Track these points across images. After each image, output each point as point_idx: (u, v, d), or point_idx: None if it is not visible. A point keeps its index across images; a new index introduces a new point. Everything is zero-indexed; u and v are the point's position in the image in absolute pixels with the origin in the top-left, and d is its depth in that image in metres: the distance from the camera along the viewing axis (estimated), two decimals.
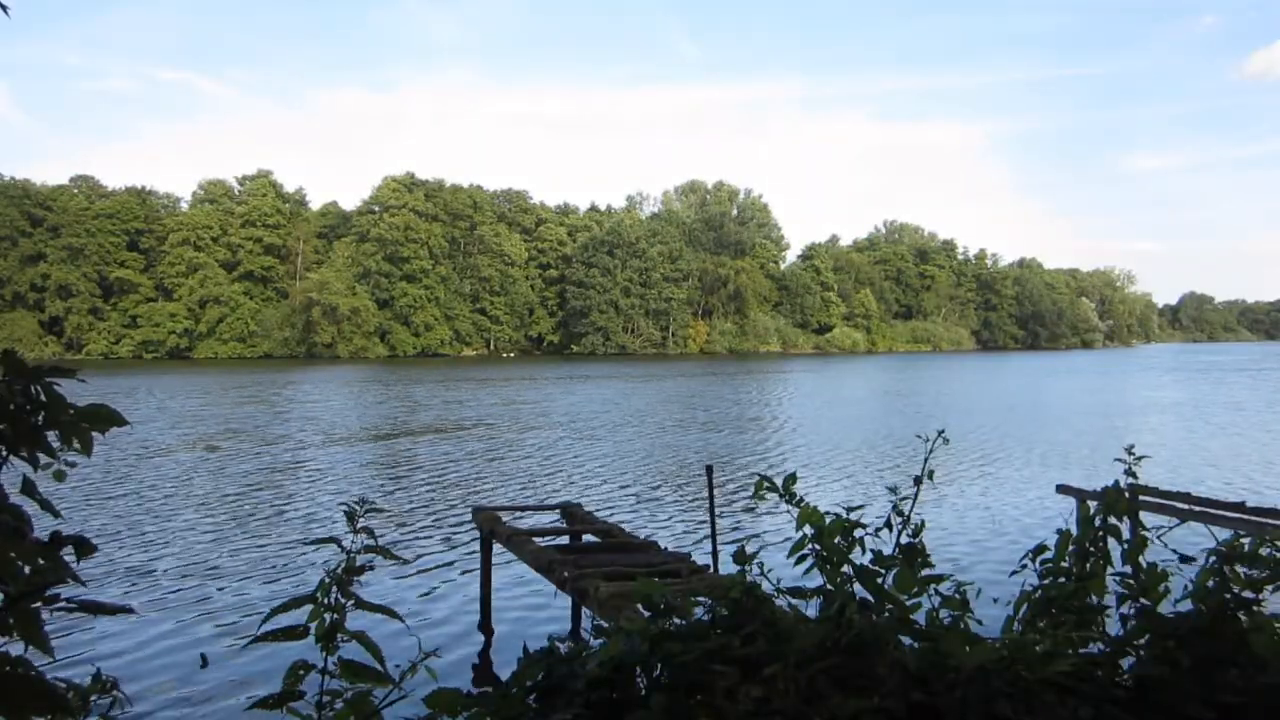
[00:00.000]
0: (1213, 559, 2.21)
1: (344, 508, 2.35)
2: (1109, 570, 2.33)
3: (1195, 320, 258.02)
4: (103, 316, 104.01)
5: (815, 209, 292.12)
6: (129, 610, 1.92)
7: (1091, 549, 2.34)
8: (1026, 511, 17.24)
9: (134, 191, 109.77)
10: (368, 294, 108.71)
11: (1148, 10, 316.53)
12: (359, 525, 2.25)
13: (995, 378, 70.13)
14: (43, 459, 1.64)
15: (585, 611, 9.47)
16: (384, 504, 17.97)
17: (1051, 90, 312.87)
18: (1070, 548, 2.36)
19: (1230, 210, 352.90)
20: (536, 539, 10.91)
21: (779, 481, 2.43)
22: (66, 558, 1.61)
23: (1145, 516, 2.48)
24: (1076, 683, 1.87)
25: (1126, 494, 2.44)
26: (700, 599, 2.20)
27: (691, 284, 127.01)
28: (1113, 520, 2.40)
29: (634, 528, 14.08)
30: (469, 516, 13.57)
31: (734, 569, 2.27)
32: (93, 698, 1.98)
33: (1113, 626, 2.24)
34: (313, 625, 2.09)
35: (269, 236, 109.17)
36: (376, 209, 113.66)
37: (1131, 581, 2.27)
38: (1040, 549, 2.41)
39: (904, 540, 2.30)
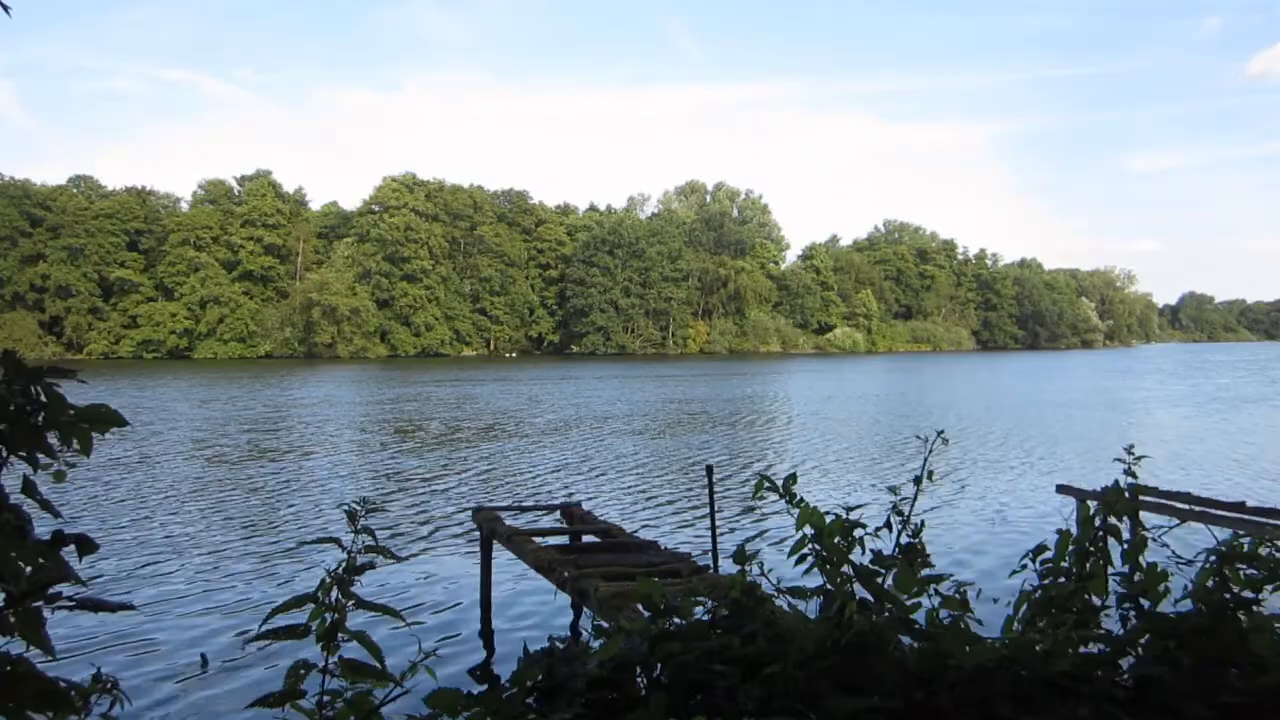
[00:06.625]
0: (1213, 559, 2.21)
1: (344, 507, 2.35)
2: (1109, 570, 2.33)
3: (1195, 320, 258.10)
4: (103, 316, 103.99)
5: (815, 209, 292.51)
6: (129, 608, 1.92)
7: (1091, 549, 2.34)
8: (1026, 511, 17.22)
9: (134, 191, 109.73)
10: (368, 294, 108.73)
11: (1149, 11, 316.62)
12: (359, 525, 2.25)
13: (995, 377, 70.11)
14: (42, 459, 1.64)
15: (585, 611, 9.46)
16: (384, 504, 17.98)
17: (1052, 90, 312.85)
18: (1070, 548, 2.36)
19: (1230, 210, 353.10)
20: (536, 539, 10.90)
21: (779, 481, 2.43)
22: (67, 557, 1.61)
23: (1145, 516, 2.47)
24: (1076, 683, 1.87)
25: (1126, 494, 2.44)
26: (700, 599, 2.20)
27: (691, 284, 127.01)
28: (1113, 520, 2.40)
29: (634, 528, 14.07)
30: (469, 516, 13.57)
31: (734, 569, 2.27)
32: (93, 697, 1.98)
33: (1113, 626, 2.24)
34: (313, 625, 2.10)
35: (269, 236, 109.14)
36: (377, 209, 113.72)
37: (1131, 581, 2.27)
38: (1040, 549, 2.41)
39: (904, 540, 2.30)
